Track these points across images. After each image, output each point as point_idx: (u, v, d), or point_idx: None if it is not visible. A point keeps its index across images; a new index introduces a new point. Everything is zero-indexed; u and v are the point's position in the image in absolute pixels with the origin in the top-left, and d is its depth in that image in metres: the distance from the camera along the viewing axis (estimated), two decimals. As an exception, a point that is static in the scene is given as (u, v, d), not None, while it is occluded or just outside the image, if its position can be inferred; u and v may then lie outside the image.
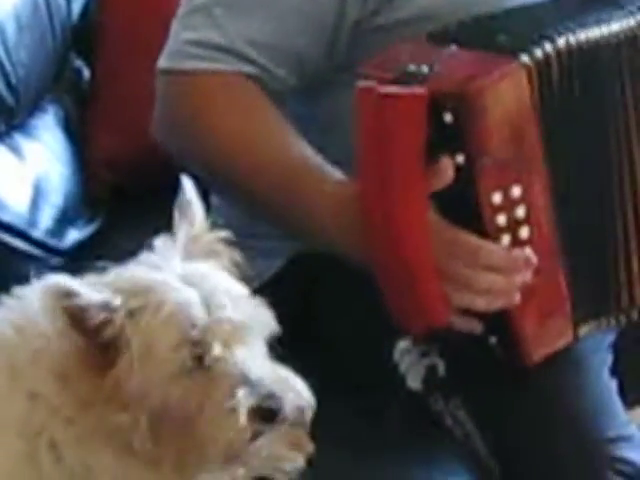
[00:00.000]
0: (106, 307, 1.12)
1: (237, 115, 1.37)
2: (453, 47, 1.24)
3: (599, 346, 1.40)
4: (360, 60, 1.31)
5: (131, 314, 1.13)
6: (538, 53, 1.22)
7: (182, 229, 1.20)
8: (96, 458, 1.17)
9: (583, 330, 1.30)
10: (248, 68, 1.38)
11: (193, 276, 1.18)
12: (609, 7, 1.33)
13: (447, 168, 1.18)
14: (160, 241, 1.20)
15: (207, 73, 1.39)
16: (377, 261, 1.24)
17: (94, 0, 1.83)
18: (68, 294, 1.09)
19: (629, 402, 1.41)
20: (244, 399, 1.13)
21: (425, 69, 1.20)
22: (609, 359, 1.41)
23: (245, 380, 1.14)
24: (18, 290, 1.21)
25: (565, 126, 1.27)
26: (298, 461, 1.20)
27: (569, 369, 1.34)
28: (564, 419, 1.32)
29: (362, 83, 1.21)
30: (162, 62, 1.41)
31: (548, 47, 1.23)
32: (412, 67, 1.21)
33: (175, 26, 1.42)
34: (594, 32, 1.28)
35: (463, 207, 1.21)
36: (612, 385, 1.37)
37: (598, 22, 1.30)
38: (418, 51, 1.26)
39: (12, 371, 1.16)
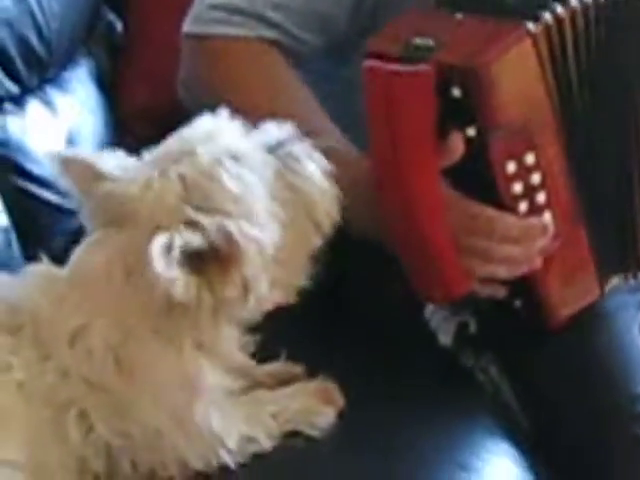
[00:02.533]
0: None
1: (259, 83, 1.41)
2: (459, 15, 1.26)
3: (628, 303, 1.42)
4: (382, 23, 1.34)
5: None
6: (547, 17, 1.22)
7: None
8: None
9: (610, 285, 1.34)
10: (271, 33, 1.42)
11: None
12: None
13: (458, 143, 1.21)
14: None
15: (229, 39, 1.43)
16: (394, 237, 1.28)
17: None
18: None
19: None
20: None
21: (431, 42, 1.22)
22: (639, 317, 1.42)
23: None
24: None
25: (581, 90, 1.28)
26: (330, 415, 1.26)
27: (599, 325, 1.37)
28: (596, 374, 1.34)
29: (369, 62, 1.24)
30: (186, 26, 1.46)
31: (559, 9, 1.23)
32: (418, 40, 1.23)
33: None
34: None
35: (477, 179, 1.24)
36: None
37: None
38: (425, 22, 1.28)
39: (42, 347, 1.17)
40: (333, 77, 1.44)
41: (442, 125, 1.20)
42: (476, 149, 1.21)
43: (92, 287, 1.18)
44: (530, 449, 1.34)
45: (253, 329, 1.25)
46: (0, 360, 1.15)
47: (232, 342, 1.23)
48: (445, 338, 1.39)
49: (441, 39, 1.22)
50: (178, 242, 1.09)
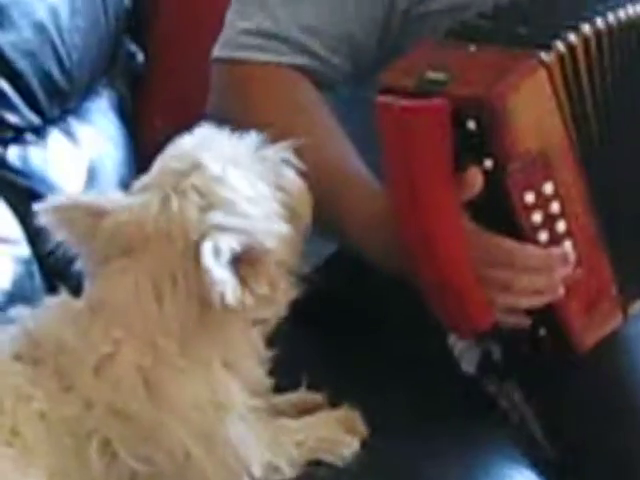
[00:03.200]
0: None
1: (286, 113, 1.41)
2: (472, 47, 1.25)
3: None
4: (406, 47, 1.34)
5: None
6: (560, 46, 1.22)
7: None
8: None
9: (633, 308, 1.33)
10: (301, 59, 1.42)
11: None
12: None
13: (476, 176, 1.20)
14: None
15: (259, 64, 1.44)
16: (415, 273, 1.28)
17: None
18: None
19: None
20: None
21: (444, 76, 1.22)
22: None
23: None
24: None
25: (597, 117, 1.27)
26: (354, 445, 1.26)
27: (623, 351, 1.37)
28: (618, 398, 1.34)
29: (382, 98, 1.24)
30: (216, 51, 1.47)
31: (572, 37, 1.23)
32: (431, 74, 1.22)
33: (230, 15, 1.47)
34: (625, 12, 1.26)
35: (497, 211, 1.24)
36: None
37: (631, 1, 1.28)
38: (437, 54, 1.28)
39: (64, 378, 1.17)
40: (354, 99, 1.45)
41: (459, 159, 1.21)
42: (494, 181, 1.21)
43: (120, 314, 1.18)
44: (554, 476, 1.33)
45: (273, 344, 1.25)
46: (22, 391, 1.15)
47: (257, 358, 1.23)
48: (468, 366, 1.39)
49: (454, 72, 1.22)
50: (224, 246, 1.11)
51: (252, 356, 1.24)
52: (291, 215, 1.25)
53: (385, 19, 1.43)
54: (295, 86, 1.43)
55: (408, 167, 1.23)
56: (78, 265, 1.31)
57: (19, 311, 1.26)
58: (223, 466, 1.19)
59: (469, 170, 1.19)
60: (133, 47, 1.84)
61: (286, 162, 1.26)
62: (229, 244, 1.14)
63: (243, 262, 1.16)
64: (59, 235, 1.25)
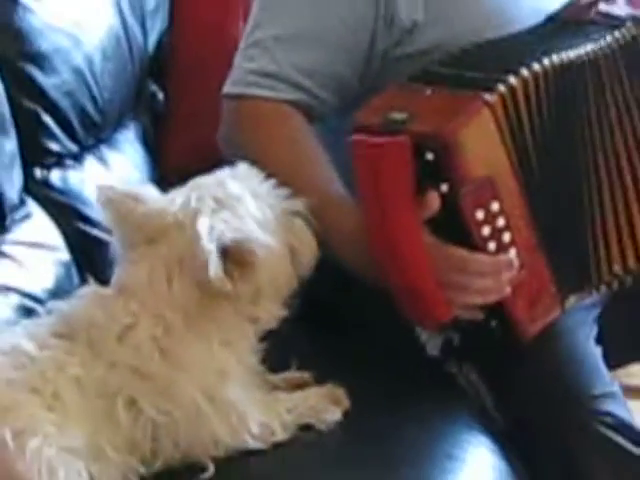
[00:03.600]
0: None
1: (281, 144, 1.44)
2: (428, 90, 1.29)
3: (585, 320, 1.45)
4: (384, 83, 1.38)
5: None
6: (502, 88, 1.26)
7: None
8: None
9: (569, 302, 1.36)
10: (296, 95, 1.45)
11: None
12: (571, 35, 1.36)
13: (434, 199, 1.23)
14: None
15: (261, 99, 1.46)
16: (387, 279, 1.30)
17: (167, 35, 1.88)
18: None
19: (612, 366, 1.44)
20: None
21: (405, 116, 1.25)
22: (594, 330, 1.46)
23: None
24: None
25: (536, 147, 1.31)
26: (337, 414, 1.31)
27: (560, 339, 1.39)
28: (557, 380, 1.37)
29: (355, 136, 1.27)
30: (225, 87, 1.49)
31: (512, 80, 1.27)
32: (394, 114, 1.26)
33: (237, 58, 1.50)
34: (562, 56, 1.31)
35: (452, 226, 1.26)
36: (597, 352, 1.42)
37: (567, 46, 1.32)
38: (400, 97, 1.31)
39: (97, 345, 1.22)
40: (340, 129, 1.42)
41: (420, 184, 1.23)
42: (449, 202, 1.24)
43: (137, 293, 1.23)
44: (504, 442, 1.37)
45: (266, 339, 1.29)
46: (60, 361, 1.19)
47: (249, 345, 1.27)
48: (433, 350, 1.41)
49: (414, 112, 1.25)
50: (217, 228, 1.17)
51: (245, 344, 1.27)
52: (292, 255, 1.28)
53: (367, 60, 1.44)
54: (289, 120, 1.44)
55: (377, 193, 1.26)
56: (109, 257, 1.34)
57: (55, 303, 1.30)
58: (226, 423, 1.22)
59: (428, 193, 1.23)
60: (154, 88, 1.86)
61: (298, 214, 1.28)
62: (222, 229, 1.18)
63: (231, 257, 1.19)
64: (104, 215, 1.28)
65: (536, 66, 1.28)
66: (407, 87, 1.34)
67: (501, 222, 1.28)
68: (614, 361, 1.47)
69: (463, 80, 1.30)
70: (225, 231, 1.20)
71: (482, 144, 1.27)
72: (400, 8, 1.44)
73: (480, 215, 1.26)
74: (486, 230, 1.27)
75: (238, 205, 1.24)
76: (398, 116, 1.26)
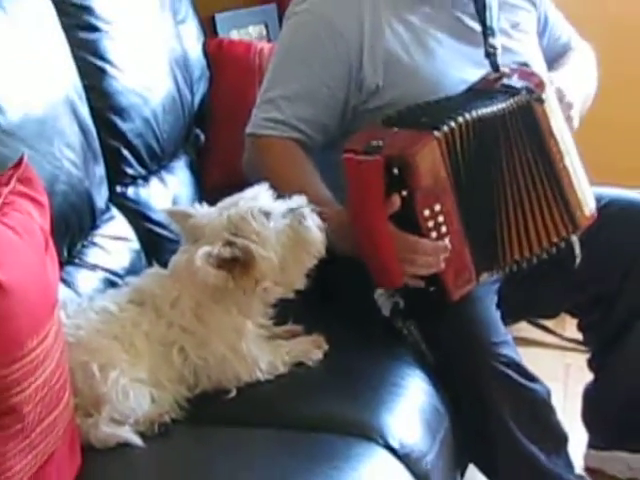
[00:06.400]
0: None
1: (287, 168, 1.40)
2: (395, 129, 1.28)
3: (490, 291, 1.42)
4: (355, 129, 1.36)
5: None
6: (445, 128, 1.24)
7: None
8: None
9: (482, 278, 1.33)
10: (295, 134, 1.41)
11: None
12: (485, 99, 1.34)
13: (396, 200, 1.21)
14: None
15: (272, 137, 1.42)
16: (362, 255, 1.28)
17: (207, 95, 1.84)
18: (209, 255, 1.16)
19: (506, 323, 1.42)
20: None
21: (380, 143, 1.24)
22: (495, 299, 1.43)
23: None
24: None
25: (465, 168, 1.27)
26: (319, 354, 1.31)
27: (473, 303, 1.36)
28: (469, 331, 1.34)
29: (346, 154, 1.25)
30: (247, 129, 1.45)
31: (452, 123, 1.25)
32: (373, 142, 1.24)
33: (255, 110, 1.45)
34: (481, 111, 1.29)
35: (408, 220, 1.24)
36: (497, 314, 1.39)
37: (483, 106, 1.31)
38: (376, 132, 1.29)
39: (159, 310, 1.21)
40: (324, 161, 1.41)
41: (387, 190, 1.21)
42: (407, 203, 1.22)
43: (180, 276, 1.22)
44: (433, 375, 1.35)
45: (272, 305, 1.27)
46: (135, 320, 1.19)
47: (259, 311, 1.26)
48: (385, 312, 1.36)
49: (386, 141, 1.24)
50: (215, 252, 1.15)
51: (256, 311, 1.25)
52: (300, 252, 1.23)
53: (343, 113, 1.41)
54: (291, 150, 1.41)
55: (359, 194, 1.26)
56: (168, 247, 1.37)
57: (130, 278, 1.30)
58: (244, 364, 1.22)
59: (392, 196, 1.21)
60: (198, 131, 1.81)
61: (310, 219, 1.23)
62: (220, 252, 1.15)
63: (239, 264, 1.18)
64: (173, 224, 1.31)
65: (466, 116, 1.26)
66: (381, 127, 1.31)
67: (440, 218, 1.25)
68: (508, 320, 1.43)
69: (418, 123, 1.28)
70: (223, 251, 1.17)
71: (430, 164, 1.24)
72: (367, 76, 1.39)
73: (427, 213, 1.24)
74: (430, 223, 1.24)
75: (253, 218, 1.20)
76: (375, 143, 1.24)
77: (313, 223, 1.21)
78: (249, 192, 1.23)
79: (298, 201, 1.22)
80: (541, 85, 1.33)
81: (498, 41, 1.40)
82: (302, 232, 1.21)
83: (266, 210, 1.19)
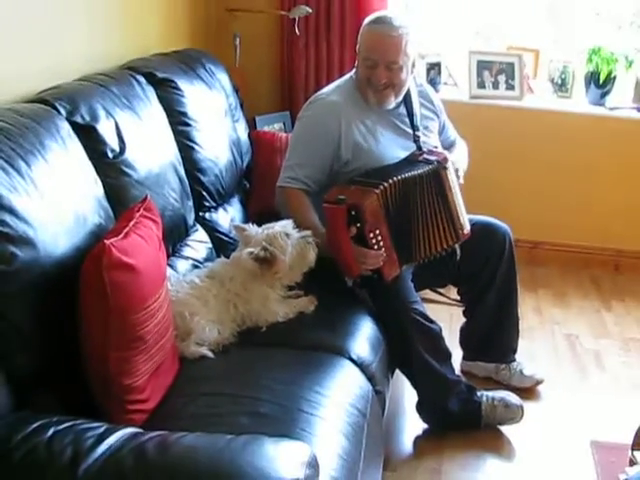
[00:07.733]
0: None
1: (298, 207, 1.43)
2: (352, 187, 1.32)
3: (408, 272, 1.45)
4: (335, 183, 1.39)
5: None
6: (382, 187, 1.29)
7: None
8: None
9: (403, 267, 1.39)
10: (304, 186, 1.45)
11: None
12: (411, 167, 1.37)
13: (354, 229, 1.28)
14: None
15: (290, 188, 1.45)
16: (335, 258, 1.33)
17: (251, 161, 1.83)
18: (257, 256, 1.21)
19: (417, 290, 1.44)
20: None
21: (344, 197, 1.29)
22: (411, 277, 1.46)
23: None
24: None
25: (394, 209, 1.33)
26: (312, 308, 1.34)
27: (398, 279, 1.39)
28: (396, 294, 1.38)
29: (325, 204, 1.30)
30: (277, 183, 1.48)
31: (385, 184, 1.31)
32: (340, 196, 1.29)
33: (281, 173, 1.49)
34: (406, 175, 1.33)
35: (361, 240, 1.30)
36: (412, 285, 1.44)
37: (409, 171, 1.35)
38: (342, 189, 1.32)
39: (222, 282, 1.25)
40: (319, 199, 1.39)
41: (348, 223, 1.28)
42: (360, 231, 1.29)
43: (235, 264, 1.26)
44: (376, 320, 1.38)
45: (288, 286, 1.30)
46: (209, 287, 1.22)
47: (279, 287, 1.29)
48: (349, 284, 1.41)
49: (347, 195, 1.29)
50: (255, 252, 1.21)
51: (277, 286, 1.28)
52: (301, 258, 1.26)
53: (330, 173, 1.45)
54: (301, 197, 1.44)
55: (332, 227, 1.31)
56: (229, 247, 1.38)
57: (207, 264, 1.35)
58: (270, 313, 1.26)
59: (351, 227, 1.28)
60: (245, 182, 1.81)
61: (309, 242, 1.26)
62: (257, 252, 1.19)
63: (266, 262, 1.23)
64: (233, 233, 1.31)
65: (395, 178, 1.32)
66: (345, 185, 1.36)
67: (380, 238, 1.32)
68: (418, 288, 1.47)
69: (367, 183, 1.33)
70: (258, 252, 1.19)
71: (374, 208, 1.30)
72: (342, 153, 1.45)
73: (371, 235, 1.31)
74: (374, 241, 1.31)
75: (280, 237, 1.24)
76: (341, 197, 1.30)
77: (312, 247, 1.27)
78: (281, 222, 1.29)
79: (306, 232, 1.29)
80: (445, 159, 1.40)
81: (420, 134, 1.48)
82: (305, 251, 1.27)
83: (288, 233, 1.25)
